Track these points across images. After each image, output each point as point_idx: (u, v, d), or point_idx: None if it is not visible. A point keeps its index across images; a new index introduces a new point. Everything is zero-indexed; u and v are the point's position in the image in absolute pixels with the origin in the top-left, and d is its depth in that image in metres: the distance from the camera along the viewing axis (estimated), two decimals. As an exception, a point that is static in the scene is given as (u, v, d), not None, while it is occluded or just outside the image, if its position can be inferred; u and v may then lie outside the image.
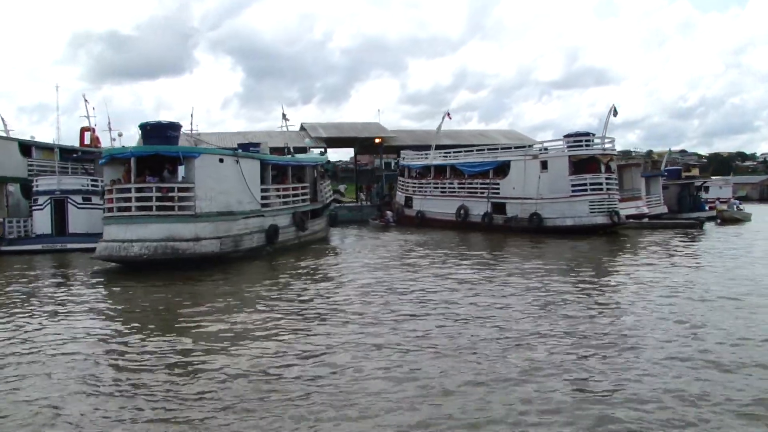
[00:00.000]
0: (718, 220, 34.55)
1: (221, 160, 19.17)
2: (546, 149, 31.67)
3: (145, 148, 18.59)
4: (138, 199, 17.67)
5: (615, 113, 28.94)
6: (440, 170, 37.35)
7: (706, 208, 37.84)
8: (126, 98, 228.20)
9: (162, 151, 18.03)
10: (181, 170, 18.10)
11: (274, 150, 30.34)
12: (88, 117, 34.57)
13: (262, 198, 21.39)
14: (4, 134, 30.97)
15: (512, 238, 27.25)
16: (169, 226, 17.65)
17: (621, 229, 29.71)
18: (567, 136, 30.84)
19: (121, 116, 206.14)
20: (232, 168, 19.55)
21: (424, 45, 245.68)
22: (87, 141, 35.34)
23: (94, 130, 35.31)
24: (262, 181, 21.83)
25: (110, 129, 25.34)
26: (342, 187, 48.76)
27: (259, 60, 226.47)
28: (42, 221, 24.98)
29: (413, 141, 46.68)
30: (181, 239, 17.69)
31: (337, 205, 44.76)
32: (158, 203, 17.68)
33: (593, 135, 29.85)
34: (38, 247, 24.08)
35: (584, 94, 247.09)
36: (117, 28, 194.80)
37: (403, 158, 42.84)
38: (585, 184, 28.76)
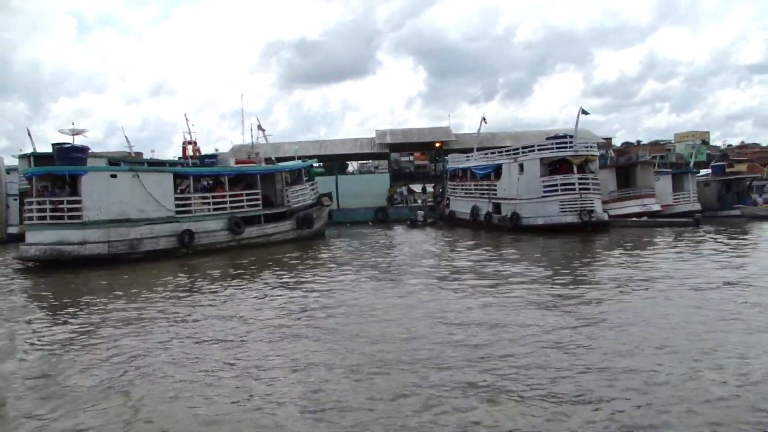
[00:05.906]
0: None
1: (113, 176, 22.36)
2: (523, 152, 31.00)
3: (39, 169, 22.45)
4: (37, 210, 21.51)
5: (584, 113, 28.47)
6: (465, 173, 37.85)
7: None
8: (315, 102, 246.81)
9: (52, 171, 21.75)
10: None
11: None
12: (190, 133, 39.95)
13: (177, 206, 24.19)
14: (128, 151, 37.18)
15: (494, 235, 28.87)
16: (59, 232, 21.17)
17: (612, 227, 28.66)
18: (548, 138, 30.80)
19: (310, 119, 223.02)
20: (130, 182, 22.55)
21: (612, 35, 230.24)
22: (189, 153, 40.86)
23: (195, 143, 40.82)
24: (180, 190, 24.85)
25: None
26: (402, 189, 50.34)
27: (441, 59, 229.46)
28: None
29: (477, 144, 46.40)
30: (69, 243, 21.14)
31: (400, 205, 46.64)
32: (52, 213, 21.34)
33: (569, 137, 28.86)
34: None
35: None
36: (306, 35, 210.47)
37: (447, 162, 43.49)
38: (556, 185, 28.13)
